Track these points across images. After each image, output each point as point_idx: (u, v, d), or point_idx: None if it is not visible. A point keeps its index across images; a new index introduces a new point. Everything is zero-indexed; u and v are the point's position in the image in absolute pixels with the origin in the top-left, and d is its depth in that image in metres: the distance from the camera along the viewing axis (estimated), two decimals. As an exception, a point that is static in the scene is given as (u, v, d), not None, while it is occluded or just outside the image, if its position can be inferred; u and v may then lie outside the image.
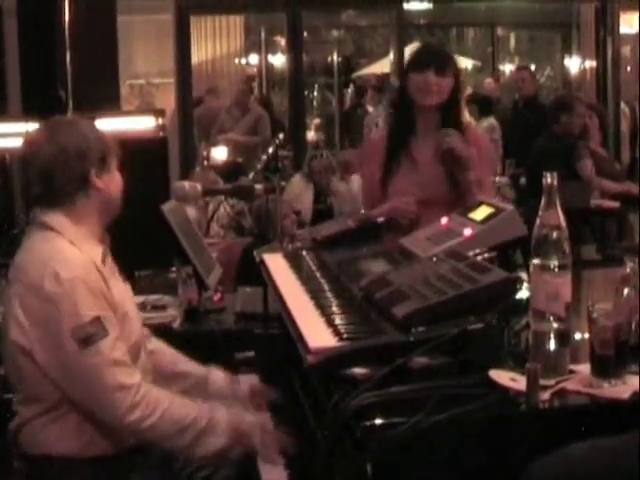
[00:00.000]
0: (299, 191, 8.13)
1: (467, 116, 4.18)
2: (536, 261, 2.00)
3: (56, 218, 2.67)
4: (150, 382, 2.75)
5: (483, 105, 10.71)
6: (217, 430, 2.62)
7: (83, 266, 2.60)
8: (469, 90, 10.25)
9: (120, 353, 2.57)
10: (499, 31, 16.43)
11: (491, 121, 10.12)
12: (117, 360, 2.55)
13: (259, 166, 8.61)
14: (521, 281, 2.18)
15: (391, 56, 11.16)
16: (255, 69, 15.33)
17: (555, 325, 1.97)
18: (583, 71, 12.62)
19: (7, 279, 2.75)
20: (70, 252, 2.62)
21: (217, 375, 3.03)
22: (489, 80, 13.06)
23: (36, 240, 2.67)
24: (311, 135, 13.57)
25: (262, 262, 3.13)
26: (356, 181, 8.17)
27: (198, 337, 3.65)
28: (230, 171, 8.48)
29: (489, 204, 2.92)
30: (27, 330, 2.57)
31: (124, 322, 2.67)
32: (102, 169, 2.71)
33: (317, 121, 14.93)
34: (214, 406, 2.71)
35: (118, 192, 2.77)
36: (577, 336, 2.16)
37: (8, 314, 2.64)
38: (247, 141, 10.18)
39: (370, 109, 11.65)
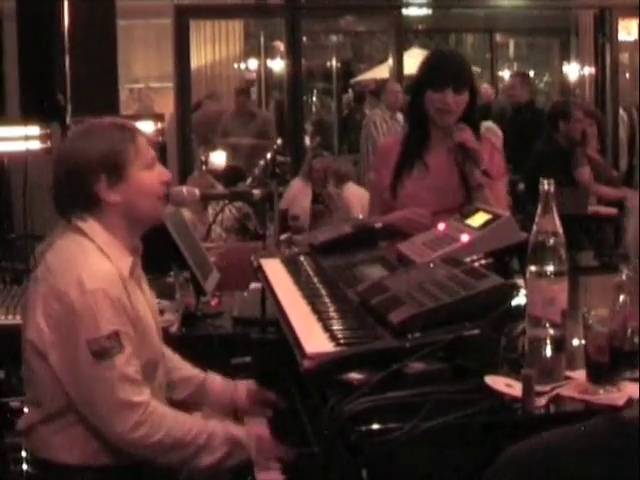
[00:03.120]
0: (297, 193, 8.14)
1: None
2: (532, 267, 2.01)
3: (89, 223, 2.65)
4: (164, 397, 2.77)
5: (481, 111, 10.74)
6: (215, 445, 2.62)
7: (108, 278, 2.58)
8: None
9: (133, 370, 2.56)
10: (498, 37, 16.47)
11: (488, 124, 10.15)
12: (129, 376, 2.55)
13: (257, 171, 8.62)
14: (517, 287, 2.18)
15: (390, 62, 11.17)
16: (254, 74, 15.34)
17: (551, 331, 1.98)
18: (582, 77, 12.64)
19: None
20: (98, 261, 2.60)
21: (215, 382, 3.03)
22: (485, 85, 13.09)
23: (68, 243, 2.65)
24: (309, 140, 13.57)
25: (260, 267, 3.13)
26: (350, 189, 8.19)
27: (195, 342, 3.65)
28: (230, 176, 8.49)
29: (486, 210, 2.93)
30: (44, 332, 2.56)
31: (143, 337, 2.66)
32: (115, 180, 2.64)
33: (315, 126, 14.92)
34: (212, 422, 2.72)
35: (145, 198, 2.68)
36: (573, 342, 2.17)
37: (29, 312, 2.63)
38: (258, 144, 10.19)
39: (368, 112, 11.67)
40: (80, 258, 2.60)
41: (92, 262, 2.60)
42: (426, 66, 3.74)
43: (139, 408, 2.54)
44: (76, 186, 2.65)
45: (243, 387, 3.04)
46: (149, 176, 2.69)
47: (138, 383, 2.58)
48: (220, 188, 7.35)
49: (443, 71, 3.62)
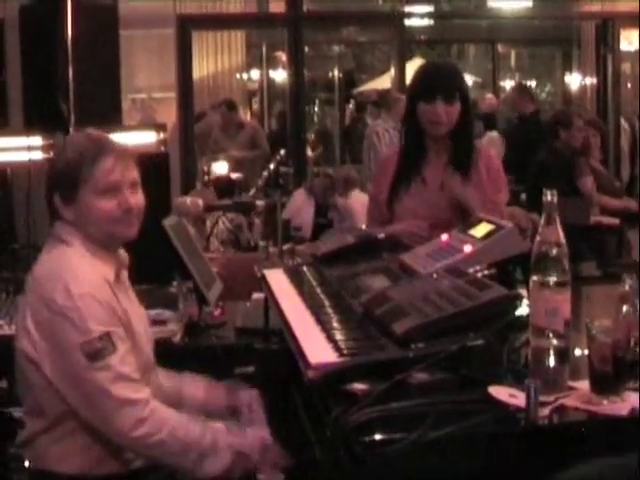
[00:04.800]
0: (300, 204, 8.15)
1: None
2: (536, 278, 2.01)
3: (69, 231, 2.68)
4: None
5: (486, 121, 10.78)
6: (219, 451, 2.61)
7: (95, 282, 2.59)
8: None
9: (129, 369, 2.56)
10: (500, 48, 16.50)
11: (493, 134, 10.18)
12: (125, 375, 2.54)
13: (260, 182, 8.62)
14: (521, 298, 2.19)
15: (392, 72, 11.18)
16: (256, 84, 15.36)
17: (554, 342, 1.98)
18: (583, 88, 12.66)
19: (17, 290, 2.73)
20: (82, 267, 2.62)
21: (215, 397, 3.03)
22: (490, 96, 13.10)
23: (52, 253, 2.68)
24: (311, 151, 13.58)
25: (263, 277, 3.13)
26: (356, 197, 8.20)
27: (198, 352, 3.65)
28: (226, 187, 8.48)
29: (489, 221, 2.93)
30: (36, 342, 2.57)
31: (134, 342, 2.66)
32: (69, 198, 2.66)
33: (318, 136, 14.94)
34: (216, 427, 2.71)
35: (95, 222, 2.65)
36: (576, 352, 2.17)
37: (19, 323, 2.65)
38: (246, 156, 10.19)
39: (370, 122, 11.68)
40: (64, 265, 2.62)
41: (77, 268, 2.61)
42: (417, 79, 3.75)
43: (139, 404, 2.54)
44: (47, 195, 2.72)
45: (246, 398, 3.03)
46: (100, 203, 2.65)
47: (135, 381, 2.57)
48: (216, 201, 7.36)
49: (432, 82, 3.62)
